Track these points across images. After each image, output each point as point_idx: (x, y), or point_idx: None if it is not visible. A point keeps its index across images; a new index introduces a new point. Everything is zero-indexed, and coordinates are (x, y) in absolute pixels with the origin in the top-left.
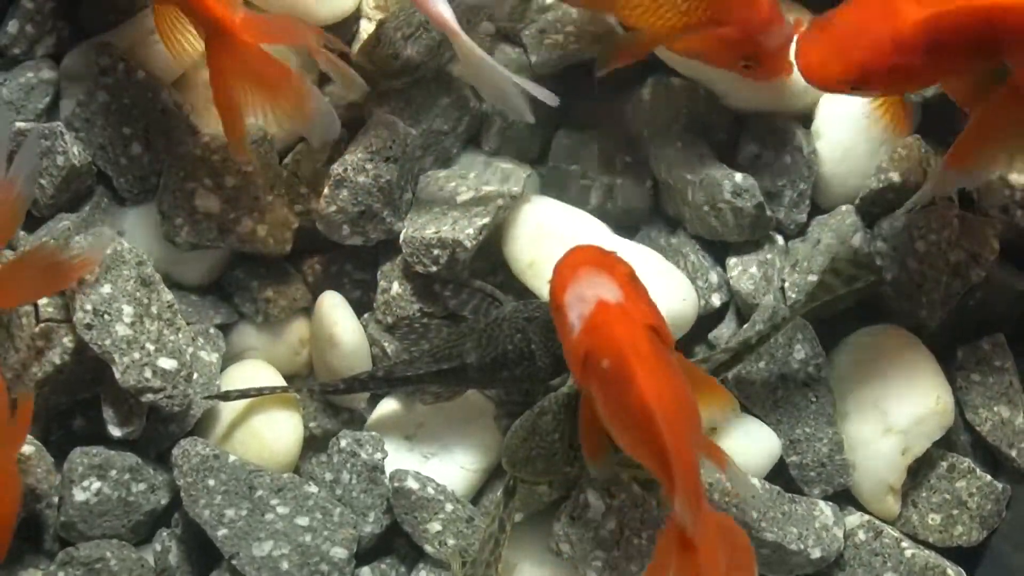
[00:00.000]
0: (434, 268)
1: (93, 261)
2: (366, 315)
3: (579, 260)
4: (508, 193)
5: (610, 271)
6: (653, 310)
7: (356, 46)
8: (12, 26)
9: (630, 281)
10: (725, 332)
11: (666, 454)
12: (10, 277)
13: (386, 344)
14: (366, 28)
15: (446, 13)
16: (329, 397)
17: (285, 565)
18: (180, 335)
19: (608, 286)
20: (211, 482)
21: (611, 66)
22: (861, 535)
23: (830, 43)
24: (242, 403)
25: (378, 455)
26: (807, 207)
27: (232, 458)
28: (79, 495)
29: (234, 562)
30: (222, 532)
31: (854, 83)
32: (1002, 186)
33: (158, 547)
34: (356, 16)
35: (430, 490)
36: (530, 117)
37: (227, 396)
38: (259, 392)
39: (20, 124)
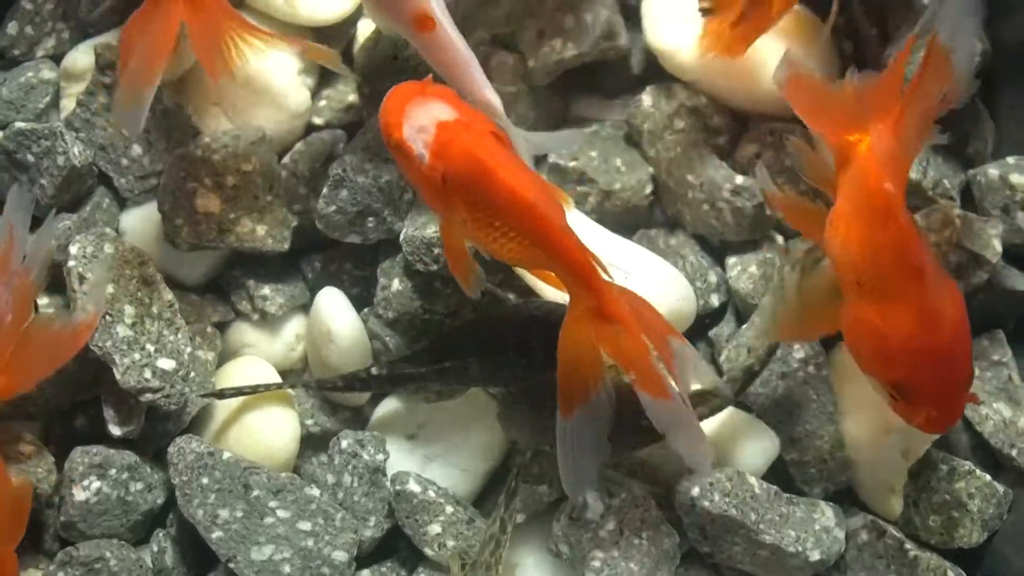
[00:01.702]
0: (435, 267)
1: (95, 318)
2: (365, 310)
3: (402, 96)
4: None
5: (435, 95)
6: (485, 118)
7: (355, 46)
8: (12, 27)
9: (456, 99)
10: (725, 330)
11: (553, 234)
12: (22, 360)
13: (387, 338)
14: (364, 29)
15: (495, 101)
16: (328, 395)
17: (287, 569)
18: (179, 335)
19: (440, 108)
20: (204, 480)
21: None
22: (864, 536)
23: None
24: (237, 400)
25: (380, 456)
26: None
27: (226, 455)
28: (79, 494)
29: (231, 565)
30: (216, 534)
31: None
32: (1003, 187)
33: (155, 547)
34: (355, 16)
35: (431, 493)
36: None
37: (222, 394)
38: (254, 389)
39: (19, 124)
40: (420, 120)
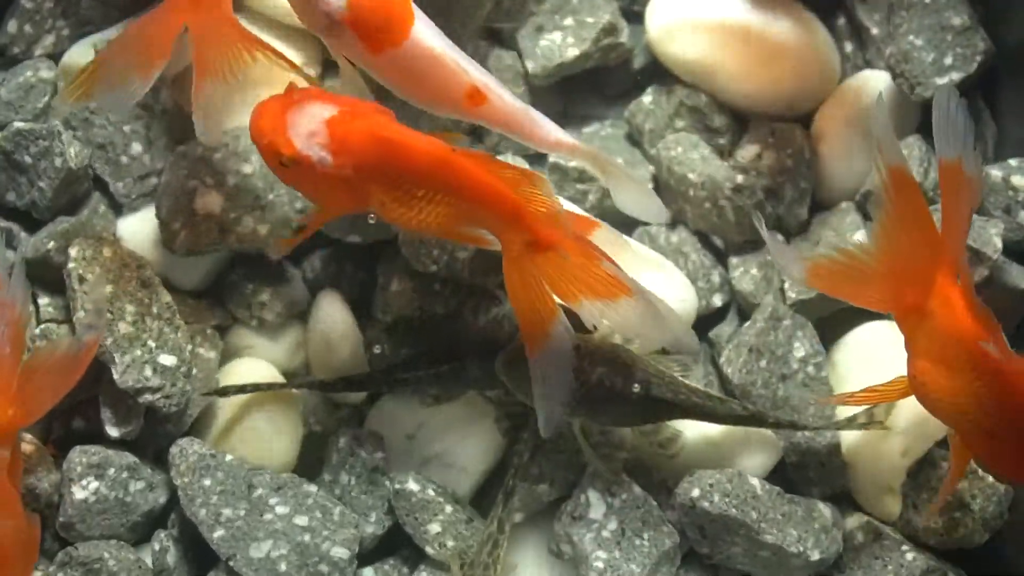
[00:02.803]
0: (434, 268)
1: (97, 339)
2: (365, 314)
3: (275, 111)
4: None
5: (306, 98)
6: (364, 102)
7: None
8: (11, 26)
9: (325, 93)
10: (727, 330)
11: (476, 179)
12: (31, 390)
13: (384, 344)
14: None
15: (568, 139)
16: (328, 395)
17: (283, 566)
18: (179, 333)
19: (319, 107)
20: (207, 482)
21: None
22: (860, 537)
23: None
24: (240, 402)
25: (378, 455)
26: (808, 204)
27: (229, 457)
28: (78, 494)
29: (231, 564)
30: (219, 533)
31: None
32: (1005, 188)
33: (156, 547)
34: None
35: (430, 491)
36: (665, 216)
37: (225, 392)
38: (256, 387)
39: (19, 124)
40: (306, 126)
